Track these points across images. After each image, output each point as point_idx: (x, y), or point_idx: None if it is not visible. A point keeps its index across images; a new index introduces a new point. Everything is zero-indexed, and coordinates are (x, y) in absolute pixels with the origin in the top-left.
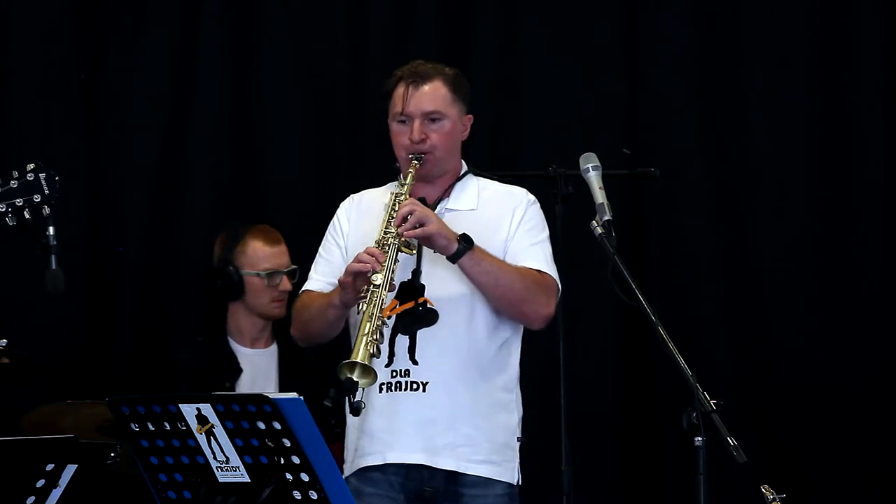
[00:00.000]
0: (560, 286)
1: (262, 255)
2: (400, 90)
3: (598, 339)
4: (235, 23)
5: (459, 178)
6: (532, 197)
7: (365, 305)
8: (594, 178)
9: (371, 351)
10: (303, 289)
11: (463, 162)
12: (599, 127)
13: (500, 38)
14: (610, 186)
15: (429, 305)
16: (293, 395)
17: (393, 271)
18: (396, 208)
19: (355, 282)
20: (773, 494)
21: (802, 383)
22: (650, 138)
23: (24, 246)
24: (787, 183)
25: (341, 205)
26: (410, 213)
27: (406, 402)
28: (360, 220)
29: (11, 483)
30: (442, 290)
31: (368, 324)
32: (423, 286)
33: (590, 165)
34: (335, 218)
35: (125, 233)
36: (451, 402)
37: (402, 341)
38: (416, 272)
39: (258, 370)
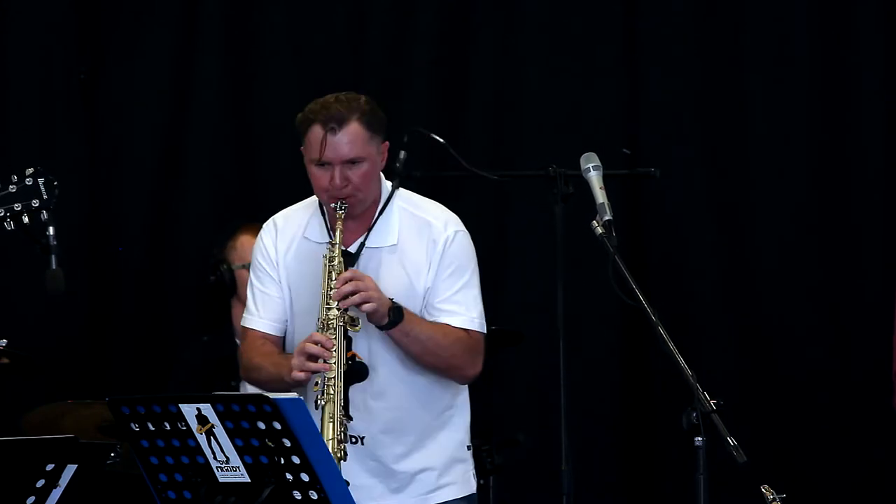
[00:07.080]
0: (485, 331)
1: (249, 248)
2: (317, 134)
3: (598, 339)
4: (235, 23)
5: (383, 208)
6: (451, 230)
7: (323, 401)
8: (595, 178)
9: (338, 457)
10: (245, 324)
11: (384, 182)
12: (599, 127)
13: (501, 38)
14: (610, 186)
15: (357, 359)
16: (293, 395)
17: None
18: (333, 277)
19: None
20: (773, 494)
21: (802, 383)
22: (650, 138)
23: (24, 246)
24: (787, 183)
25: (262, 232)
26: (353, 292)
27: (350, 455)
28: (288, 258)
29: (11, 483)
30: (377, 340)
31: (331, 425)
32: (350, 339)
33: (590, 165)
34: (261, 244)
35: (125, 233)
36: (395, 443)
37: None
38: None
39: None
